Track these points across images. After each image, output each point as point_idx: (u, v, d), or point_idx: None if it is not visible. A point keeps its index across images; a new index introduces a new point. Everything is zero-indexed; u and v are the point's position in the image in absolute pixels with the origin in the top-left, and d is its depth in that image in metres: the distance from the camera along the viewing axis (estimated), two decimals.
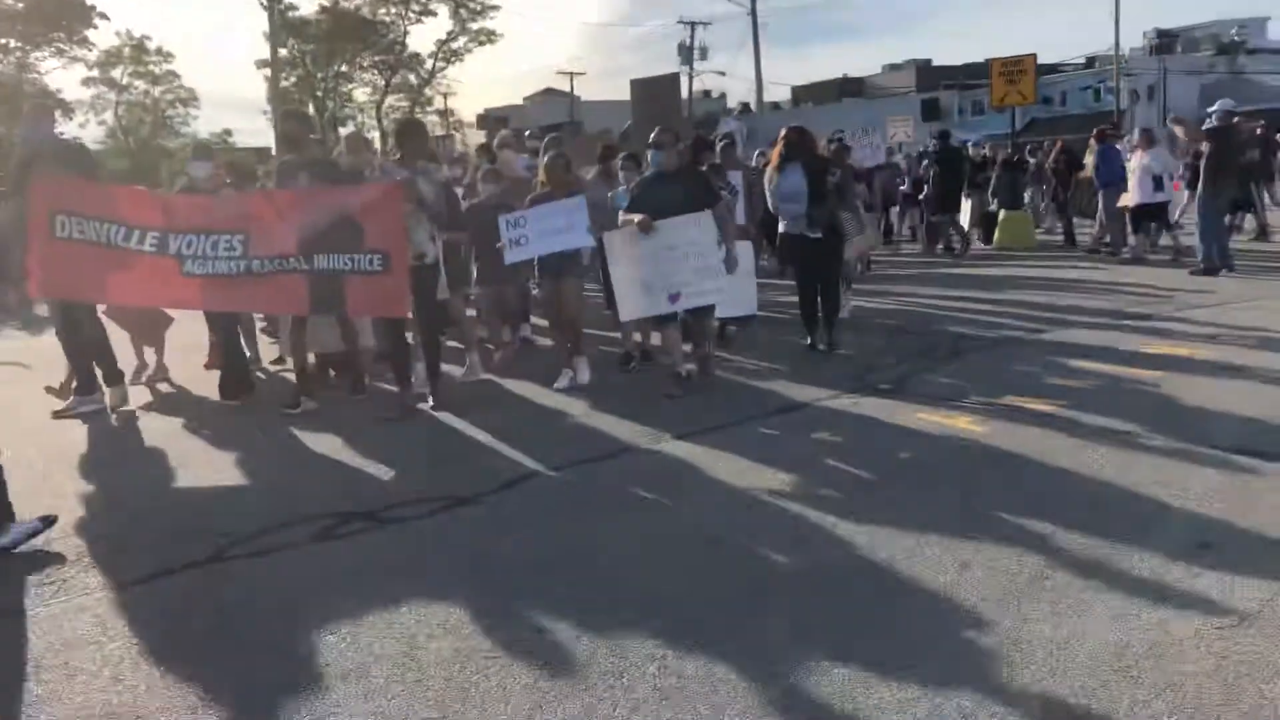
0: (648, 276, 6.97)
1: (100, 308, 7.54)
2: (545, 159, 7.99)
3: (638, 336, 8.25)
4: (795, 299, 8.53)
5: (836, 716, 2.91)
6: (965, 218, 17.48)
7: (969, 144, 18.50)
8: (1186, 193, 14.44)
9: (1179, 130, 12.29)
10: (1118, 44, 46.22)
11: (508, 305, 8.93)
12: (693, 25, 49.60)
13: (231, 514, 4.98)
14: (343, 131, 34.30)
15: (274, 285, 6.62)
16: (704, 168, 8.54)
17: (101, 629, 3.74)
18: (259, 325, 9.62)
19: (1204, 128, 12.18)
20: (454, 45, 45.91)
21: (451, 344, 8.26)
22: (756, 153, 12.58)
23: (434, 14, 44.87)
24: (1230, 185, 12.18)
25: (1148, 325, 8.89)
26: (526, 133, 16.70)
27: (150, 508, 5.27)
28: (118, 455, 6.39)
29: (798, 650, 3.30)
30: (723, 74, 61.92)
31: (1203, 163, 11.82)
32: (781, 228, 8.30)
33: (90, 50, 42.83)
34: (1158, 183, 12.97)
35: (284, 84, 39.78)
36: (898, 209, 17.24)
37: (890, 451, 5.56)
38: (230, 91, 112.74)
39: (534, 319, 9.77)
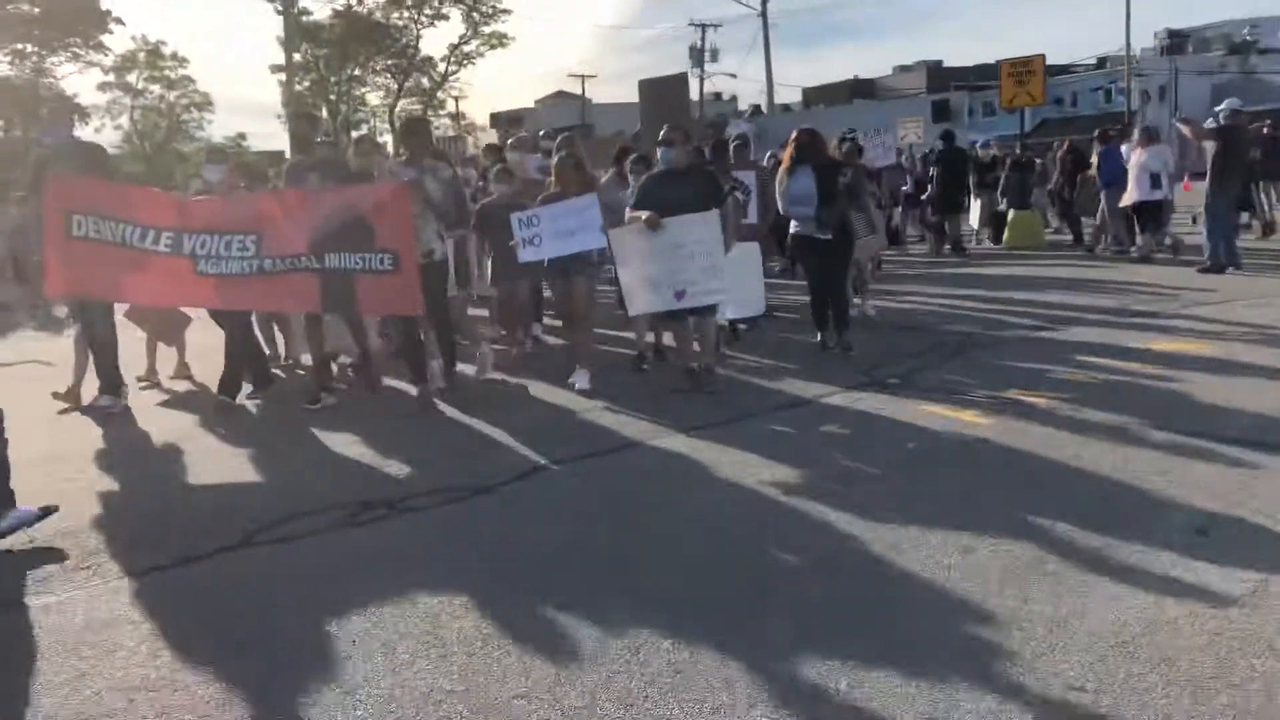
0: (654, 273, 7.03)
1: (120, 310, 7.68)
2: (555, 159, 8.06)
3: (650, 336, 8.36)
4: (804, 297, 8.65)
5: (843, 691, 3.04)
6: (974, 217, 17.57)
7: (977, 144, 18.60)
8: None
9: (1185, 130, 12.37)
10: (1129, 44, 46.21)
11: (521, 304, 9.05)
12: (703, 27, 49.77)
13: (256, 503, 5.14)
14: (355, 135, 34.58)
15: (287, 284, 6.73)
16: (711, 166, 8.62)
17: (137, 609, 3.90)
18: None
19: (1210, 126, 12.27)
20: (466, 49, 46.16)
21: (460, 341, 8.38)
22: (769, 154, 12.67)
23: (446, 18, 45.12)
24: (1237, 184, 12.27)
25: (1153, 323, 8.99)
26: (540, 133, 16.79)
27: (178, 498, 5.44)
28: (143, 449, 6.55)
29: (805, 629, 3.44)
30: (733, 76, 62.49)
31: (1209, 162, 11.90)
32: (792, 229, 8.37)
33: (106, 55, 43.26)
34: (1155, 180, 13.06)
35: (298, 88, 40.06)
36: (900, 209, 17.32)
37: (896, 444, 5.69)
38: (244, 96, 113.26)
39: (545, 319, 9.92)
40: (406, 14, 44.58)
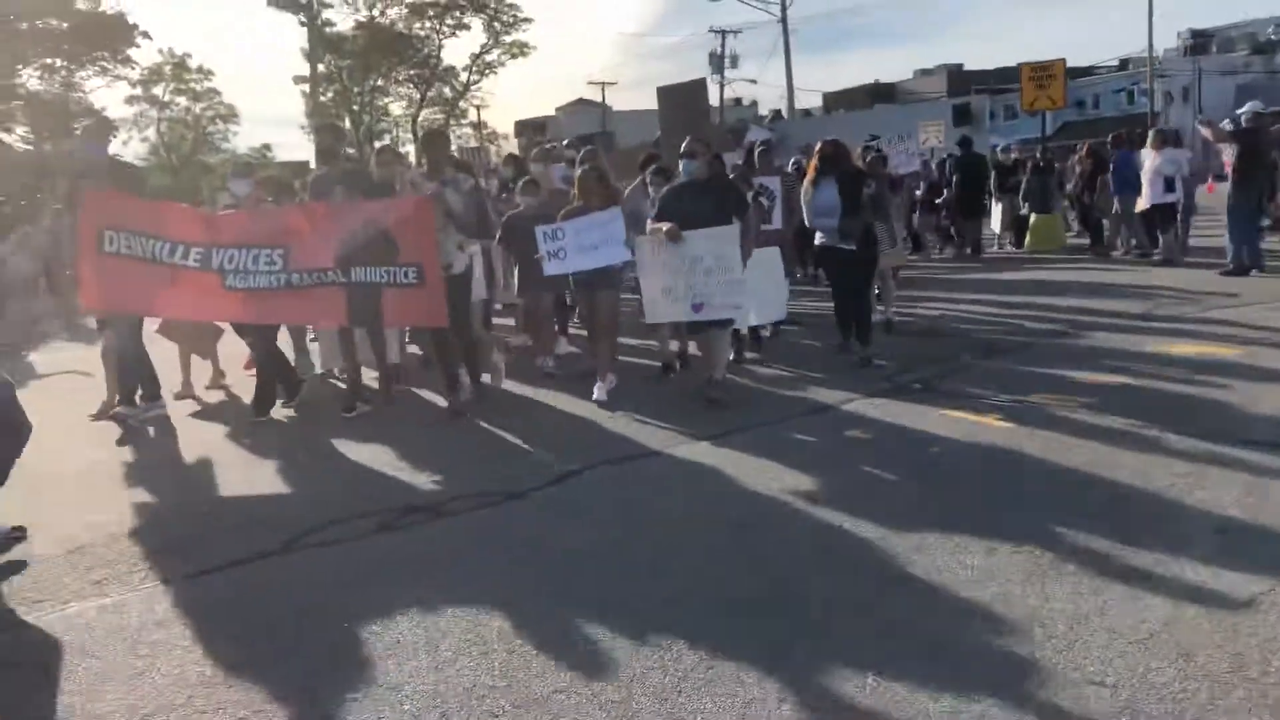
0: (673, 285, 7.10)
1: (153, 325, 7.84)
2: (579, 172, 8.14)
3: (675, 345, 8.45)
4: (827, 304, 8.72)
5: (869, 686, 3.15)
6: (996, 222, 17.60)
7: (998, 148, 18.63)
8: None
9: (1206, 131, 12.39)
10: (1151, 45, 45.90)
11: (546, 313, 9.16)
12: (723, 34, 49.87)
13: (296, 509, 5.31)
14: (377, 144, 34.88)
15: (314, 298, 6.87)
16: (731, 175, 8.69)
17: (188, 611, 4.07)
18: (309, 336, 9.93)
19: (1231, 129, 12.29)
20: (487, 58, 46.51)
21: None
22: (792, 160, 12.77)
23: (468, 27, 45.45)
24: (1259, 187, 12.28)
25: (1175, 326, 9.04)
26: (564, 142, 16.87)
27: (220, 504, 5.62)
28: (184, 460, 6.72)
29: (830, 630, 3.57)
30: (753, 81, 62.42)
31: (1231, 164, 11.92)
32: (818, 240, 8.40)
33: (133, 68, 43.77)
34: (1169, 184, 13.09)
35: (322, 99, 40.46)
36: (917, 214, 17.35)
37: (919, 448, 5.79)
38: (269, 107, 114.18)
39: (571, 329, 10.05)
40: (428, 24, 44.97)
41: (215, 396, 8.75)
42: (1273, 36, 57.53)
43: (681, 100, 15.34)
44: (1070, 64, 21.05)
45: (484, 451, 6.36)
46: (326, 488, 5.76)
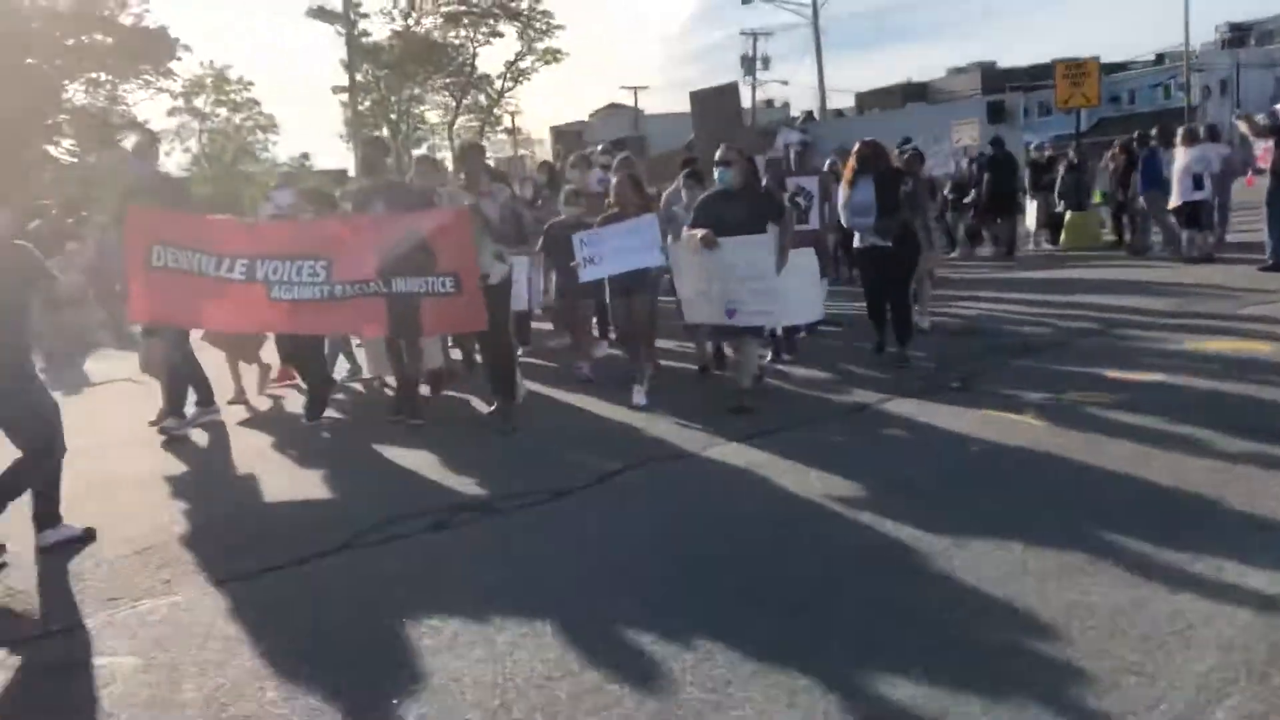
0: (707, 290, 7.19)
1: (198, 333, 8.04)
2: (614, 180, 8.21)
3: (709, 346, 8.52)
4: (863, 304, 8.74)
5: (914, 675, 3.26)
6: (1031, 220, 17.55)
7: (1031, 145, 18.57)
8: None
9: (1243, 126, 12.33)
10: (1187, 39, 45.48)
11: (585, 317, 9.28)
12: (754, 36, 49.93)
13: (352, 510, 5.50)
14: (416, 153, 35.22)
15: (355, 308, 7.00)
16: (764, 183, 8.73)
17: (255, 607, 4.26)
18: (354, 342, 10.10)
19: (1268, 122, 12.21)
20: (521, 65, 46.74)
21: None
22: (829, 160, 12.79)
23: (501, 35, 45.68)
24: None
25: (1212, 324, 9.03)
26: (599, 148, 17.02)
27: (277, 506, 5.82)
28: (237, 463, 6.93)
29: (871, 621, 3.69)
30: (785, 83, 62.23)
31: (1266, 158, 11.85)
32: (856, 242, 8.44)
33: (175, 81, 44.37)
34: (1197, 181, 13.04)
35: (360, 108, 40.87)
36: (948, 214, 17.32)
37: (956, 446, 5.89)
38: (307, 116, 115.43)
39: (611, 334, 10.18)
40: (463, 32, 45.29)
41: (264, 403, 8.97)
42: None
43: (714, 105, 15.37)
44: (1105, 59, 21.00)
45: (527, 453, 6.51)
46: (379, 489, 5.95)
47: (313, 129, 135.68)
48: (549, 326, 11.03)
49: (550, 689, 3.34)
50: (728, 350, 8.25)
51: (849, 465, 5.57)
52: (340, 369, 9.40)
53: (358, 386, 9.29)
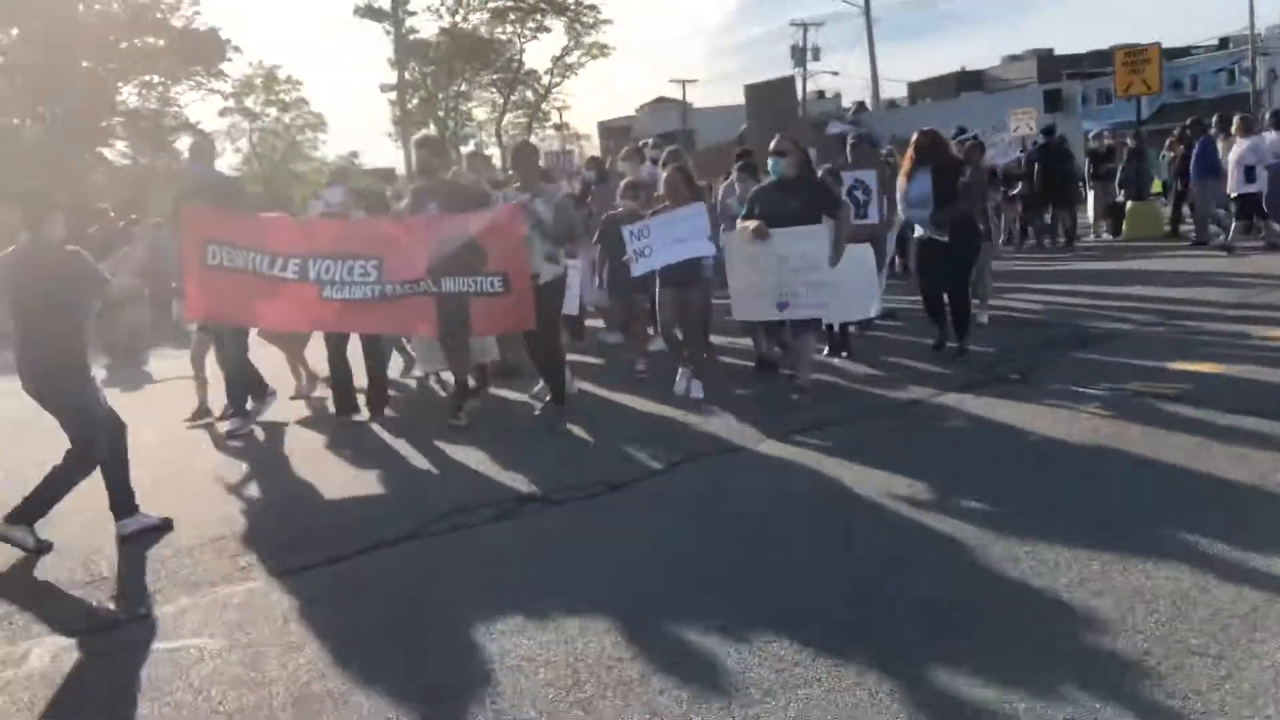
0: (760, 282, 7.18)
1: (253, 330, 8.16)
2: (665, 173, 8.16)
3: (763, 345, 8.47)
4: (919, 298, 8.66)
5: (977, 655, 3.31)
6: (1090, 210, 17.32)
7: (1089, 134, 18.31)
8: None
9: None
10: (1253, 22, 44.43)
11: (639, 312, 9.32)
12: (805, 27, 49.70)
13: (416, 502, 5.63)
14: (464, 150, 35.54)
15: (406, 307, 7.10)
16: (820, 174, 8.68)
17: (329, 591, 4.42)
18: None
19: None
20: (568, 60, 46.97)
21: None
22: (885, 151, 12.69)
23: (549, 30, 45.95)
24: None
25: (1274, 314, 8.91)
26: (650, 142, 17.10)
27: (343, 498, 5.95)
28: (300, 457, 7.04)
29: (933, 607, 3.75)
30: (836, 74, 61.70)
31: None
32: (915, 233, 8.36)
33: (226, 82, 45.14)
34: (1249, 173, 12.80)
35: (408, 106, 41.37)
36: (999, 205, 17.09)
37: (1016, 438, 5.91)
38: (356, 114, 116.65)
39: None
40: (510, 28, 45.62)
41: (314, 403, 9.04)
42: None
43: (769, 97, 15.40)
44: (1166, 44, 20.57)
45: (582, 449, 6.60)
46: (439, 482, 6.09)
47: (361, 127, 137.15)
48: (601, 324, 11.11)
49: (621, 669, 3.44)
50: (776, 351, 8.22)
51: (906, 457, 5.61)
52: (394, 365, 9.53)
53: (410, 383, 9.43)
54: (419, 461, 6.60)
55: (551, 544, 4.80)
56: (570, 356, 8.37)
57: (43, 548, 5.19)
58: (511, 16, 45.28)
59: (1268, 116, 14.62)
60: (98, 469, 5.36)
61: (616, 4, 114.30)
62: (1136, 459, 5.30)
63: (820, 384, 7.51)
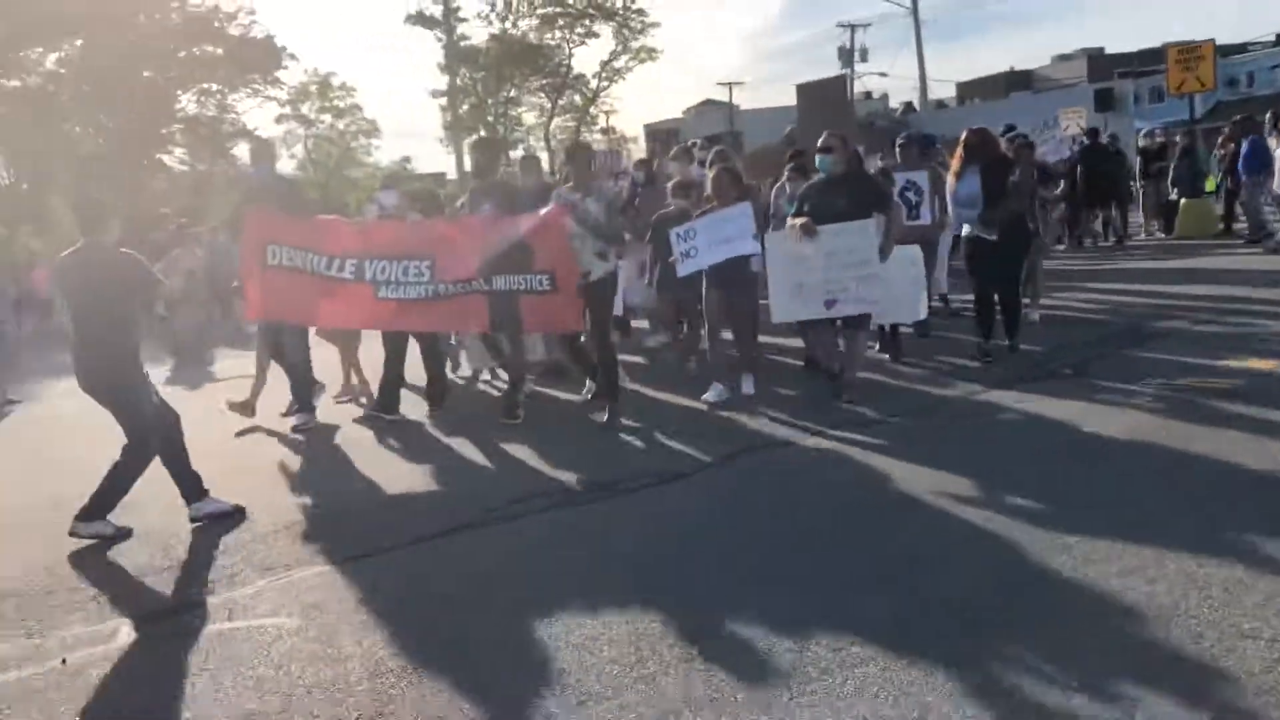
0: (807, 280, 7.17)
1: (311, 330, 8.36)
2: (712, 173, 8.15)
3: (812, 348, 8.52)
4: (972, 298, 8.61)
5: (1028, 639, 3.40)
6: (1141, 209, 17.14)
7: (1141, 132, 18.13)
8: None
9: None
10: None
11: (689, 312, 9.40)
12: (852, 28, 49.52)
13: (477, 491, 5.82)
14: (514, 155, 35.86)
15: (458, 306, 7.29)
16: (874, 172, 8.68)
17: (399, 574, 4.61)
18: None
19: None
20: (616, 64, 47.17)
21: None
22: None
23: (597, 35, 46.19)
24: None
25: None
26: (698, 143, 17.19)
27: (406, 489, 6.13)
28: (358, 452, 7.19)
29: (983, 596, 3.84)
30: (884, 75, 61.31)
31: None
32: (964, 232, 8.31)
33: (282, 89, 45.88)
34: None
35: (458, 112, 41.81)
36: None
37: (1066, 432, 5.95)
38: (408, 120, 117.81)
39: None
40: (559, 34, 45.94)
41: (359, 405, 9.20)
42: None
43: (820, 97, 15.42)
44: (1221, 41, 20.30)
45: (635, 444, 6.73)
46: (496, 474, 6.28)
47: (413, 133, 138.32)
48: (645, 325, 11.19)
49: (684, 646, 3.57)
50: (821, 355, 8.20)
51: (956, 451, 5.68)
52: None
53: (458, 380, 9.61)
54: (474, 456, 6.77)
55: (609, 532, 4.95)
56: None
57: (121, 534, 5.43)
58: (560, 22, 45.58)
59: None
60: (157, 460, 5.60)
61: (663, 8, 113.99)
62: (1187, 455, 5.31)
63: (868, 382, 7.55)
